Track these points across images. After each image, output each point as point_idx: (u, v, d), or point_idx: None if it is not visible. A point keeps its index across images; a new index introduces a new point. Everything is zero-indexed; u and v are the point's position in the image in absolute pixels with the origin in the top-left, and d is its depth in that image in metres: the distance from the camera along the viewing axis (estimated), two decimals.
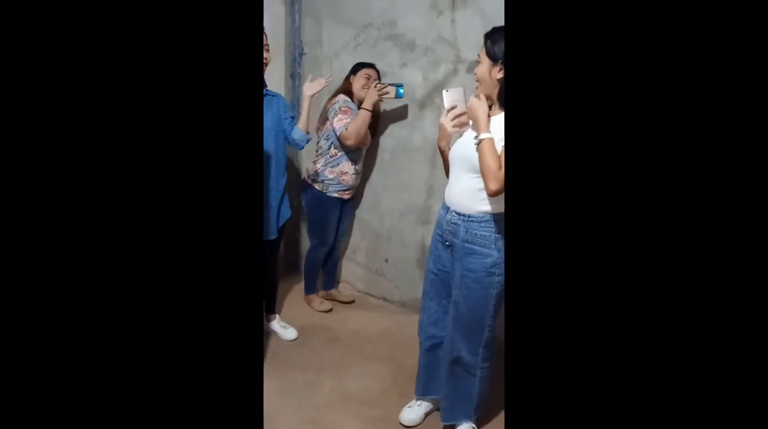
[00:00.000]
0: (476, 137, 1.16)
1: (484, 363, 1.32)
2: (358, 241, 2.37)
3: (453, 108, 1.24)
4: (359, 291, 2.40)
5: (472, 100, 1.20)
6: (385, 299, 2.33)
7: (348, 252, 2.41)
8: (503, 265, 1.22)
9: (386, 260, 2.29)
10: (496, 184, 1.11)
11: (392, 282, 2.30)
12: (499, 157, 1.12)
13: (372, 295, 2.37)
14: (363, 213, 2.31)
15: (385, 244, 2.28)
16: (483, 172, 1.13)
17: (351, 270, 2.42)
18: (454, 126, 1.25)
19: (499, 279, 1.22)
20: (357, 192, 2.27)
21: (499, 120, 1.17)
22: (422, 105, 2.01)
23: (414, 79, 2.00)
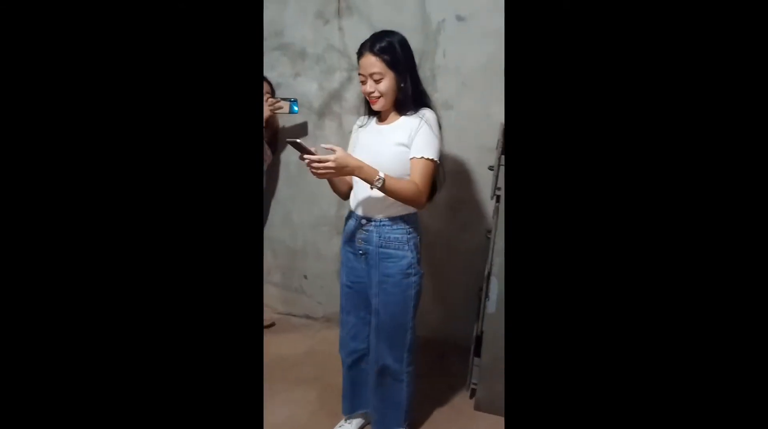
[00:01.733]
0: (373, 185, 1.07)
1: (408, 367, 1.31)
2: (271, 260, 2.26)
3: (308, 153, 1.04)
4: (279, 312, 2.28)
5: (338, 151, 1.04)
6: (308, 317, 2.25)
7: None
8: (417, 265, 1.23)
9: (305, 276, 2.21)
10: (423, 197, 1.15)
11: (314, 298, 2.22)
12: (407, 181, 1.12)
13: (294, 315, 2.27)
14: (274, 230, 2.21)
15: (301, 261, 2.20)
16: (408, 201, 1.14)
17: (267, 292, 2.30)
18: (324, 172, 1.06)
19: (415, 279, 1.22)
20: (264, 209, 2.16)
21: (397, 126, 1.17)
22: (321, 114, 1.97)
23: (309, 89, 1.95)
